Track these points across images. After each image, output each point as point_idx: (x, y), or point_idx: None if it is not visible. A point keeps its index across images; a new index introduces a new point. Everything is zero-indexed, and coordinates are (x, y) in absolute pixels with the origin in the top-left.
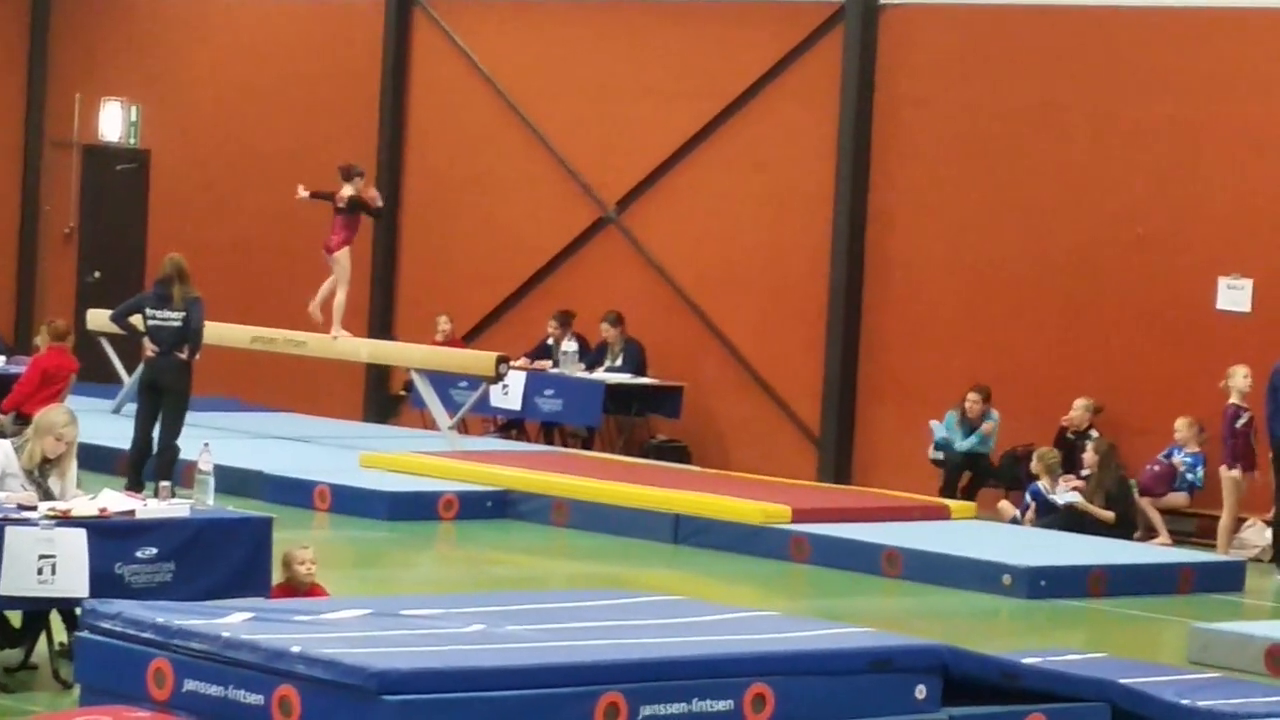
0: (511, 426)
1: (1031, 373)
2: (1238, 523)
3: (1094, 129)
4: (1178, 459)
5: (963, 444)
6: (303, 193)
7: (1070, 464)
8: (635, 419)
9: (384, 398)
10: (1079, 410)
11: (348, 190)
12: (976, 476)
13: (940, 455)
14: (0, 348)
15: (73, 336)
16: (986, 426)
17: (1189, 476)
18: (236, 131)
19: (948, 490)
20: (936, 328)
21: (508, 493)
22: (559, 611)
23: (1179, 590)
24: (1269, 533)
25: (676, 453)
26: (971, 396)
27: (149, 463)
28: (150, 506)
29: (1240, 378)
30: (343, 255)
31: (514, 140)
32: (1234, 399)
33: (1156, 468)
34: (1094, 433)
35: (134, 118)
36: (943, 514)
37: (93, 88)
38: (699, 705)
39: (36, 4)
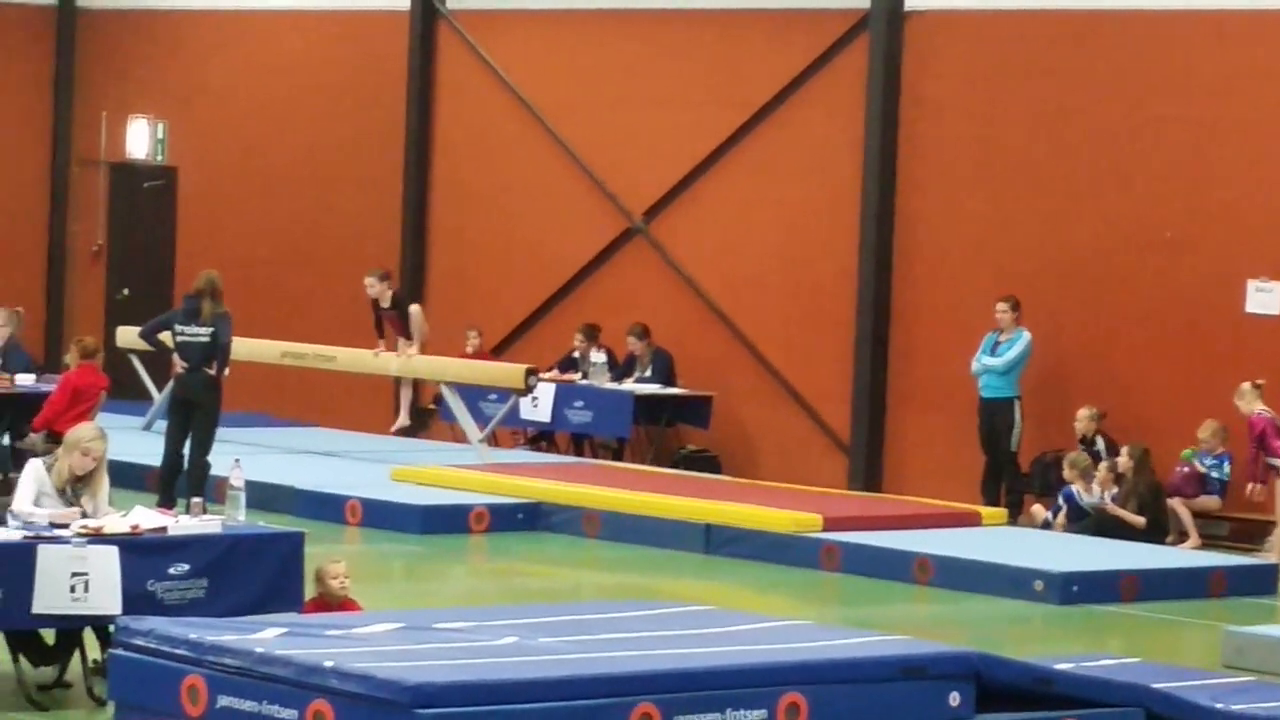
0: (541, 439)
1: (1060, 377)
2: (1269, 526)
3: (1120, 132)
4: (1199, 465)
5: (992, 360)
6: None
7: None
8: (665, 429)
9: (414, 412)
10: (1083, 420)
11: (387, 291)
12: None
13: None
14: (30, 366)
15: (102, 354)
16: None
17: (1214, 475)
18: (263, 146)
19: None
20: (965, 333)
21: (539, 505)
22: (591, 623)
23: (1211, 594)
24: None
25: (706, 462)
26: (1000, 307)
27: (180, 479)
28: (182, 523)
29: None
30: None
31: (540, 152)
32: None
33: (1186, 469)
34: (1101, 440)
35: (160, 135)
36: (974, 520)
37: (119, 106)
38: (732, 715)
39: (62, 23)
